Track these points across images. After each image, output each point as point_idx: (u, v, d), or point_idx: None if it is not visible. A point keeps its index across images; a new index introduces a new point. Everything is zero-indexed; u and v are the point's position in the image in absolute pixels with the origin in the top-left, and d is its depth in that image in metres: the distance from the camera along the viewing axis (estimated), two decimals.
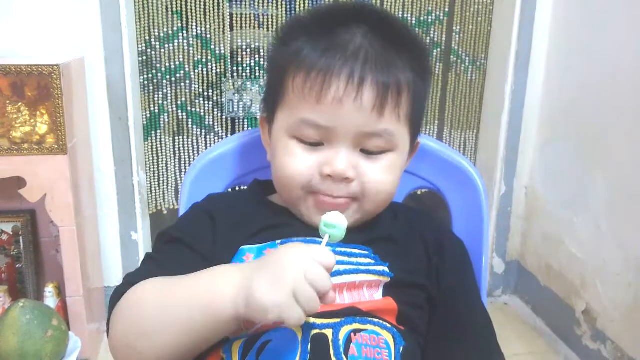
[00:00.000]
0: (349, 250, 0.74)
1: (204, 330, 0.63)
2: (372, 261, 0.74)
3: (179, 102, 1.89)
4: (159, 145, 1.91)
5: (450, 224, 0.95)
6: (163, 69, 1.85)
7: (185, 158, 1.94)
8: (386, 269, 0.73)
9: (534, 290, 2.00)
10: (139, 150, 1.82)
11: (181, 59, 1.85)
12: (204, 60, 1.87)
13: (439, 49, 2.00)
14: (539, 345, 1.86)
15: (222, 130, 1.94)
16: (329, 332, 0.66)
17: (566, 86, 1.83)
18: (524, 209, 2.05)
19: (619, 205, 1.59)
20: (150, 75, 1.85)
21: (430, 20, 1.96)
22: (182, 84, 1.88)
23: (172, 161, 1.93)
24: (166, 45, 1.83)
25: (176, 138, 1.92)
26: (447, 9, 1.96)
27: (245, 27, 1.86)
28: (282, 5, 1.84)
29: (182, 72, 1.86)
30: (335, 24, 0.73)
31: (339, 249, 0.72)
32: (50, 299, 1.62)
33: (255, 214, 0.78)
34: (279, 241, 0.73)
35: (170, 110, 1.89)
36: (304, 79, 0.71)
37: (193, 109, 1.91)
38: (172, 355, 0.65)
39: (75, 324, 1.57)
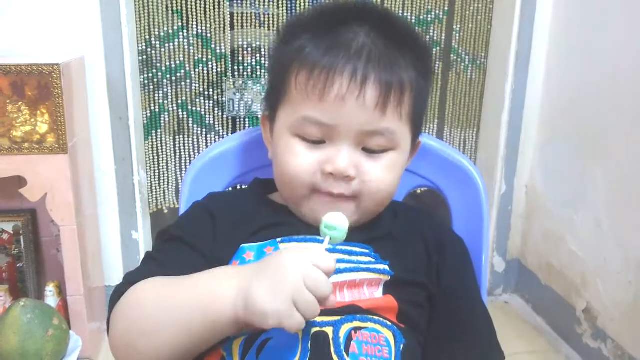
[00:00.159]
0: (349, 248, 0.74)
1: (203, 331, 0.63)
2: (373, 260, 0.74)
3: (179, 101, 1.89)
4: (159, 145, 1.91)
5: (451, 222, 0.95)
6: (163, 68, 1.85)
7: (185, 157, 1.94)
8: (386, 268, 0.73)
9: (535, 289, 2.00)
10: (139, 149, 1.82)
11: (181, 58, 1.85)
12: (204, 59, 1.87)
13: (438, 48, 2.00)
14: (539, 344, 1.86)
15: (222, 129, 1.94)
16: (329, 330, 0.66)
17: (566, 85, 1.83)
18: (525, 207, 2.05)
19: (620, 204, 1.59)
20: (150, 75, 1.85)
21: (430, 19, 1.96)
22: (183, 83, 1.88)
23: (173, 160, 1.93)
24: (166, 44, 1.83)
25: (177, 137, 1.92)
26: (447, 8, 1.95)
27: (246, 26, 1.87)
28: (282, 4, 1.84)
29: (182, 71, 1.86)
30: (338, 23, 0.73)
31: (339, 247, 0.72)
32: (51, 298, 1.62)
33: (256, 212, 0.78)
34: (279, 239, 0.73)
35: (170, 109, 1.89)
36: (307, 76, 0.71)
37: (193, 108, 1.91)
38: (171, 355, 0.65)
39: (76, 323, 1.57)
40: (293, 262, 0.60)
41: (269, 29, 1.87)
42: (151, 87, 1.86)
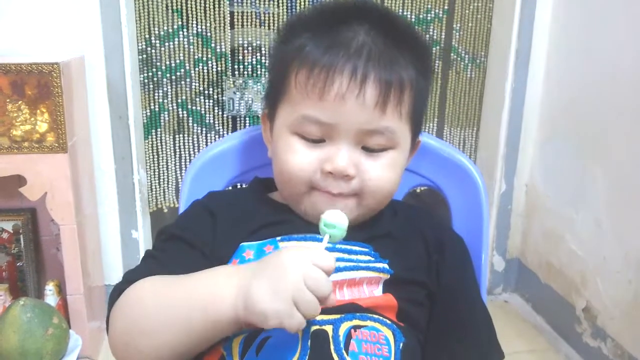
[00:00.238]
0: (349, 247, 0.74)
1: (203, 331, 0.63)
2: (372, 258, 0.74)
3: (179, 101, 1.89)
4: (159, 144, 1.91)
5: (450, 221, 0.95)
6: (163, 67, 1.85)
7: (185, 156, 1.94)
8: (386, 266, 0.73)
9: (534, 287, 2.00)
10: (139, 148, 1.82)
11: (181, 57, 1.85)
12: (204, 58, 1.87)
13: (438, 47, 2.00)
14: (539, 343, 1.86)
15: (222, 128, 1.94)
16: (329, 328, 0.66)
17: (566, 84, 1.83)
18: (524, 206, 2.05)
19: (619, 203, 1.59)
20: (150, 74, 1.85)
21: (429, 18, 1.96)
22: (183, 82, 1.88)
23: (173, 159, 1.93)
24: (166, 44, 1.83)
25: (176, 136, 1.92)
26: (446, 7, 1.95)
27: (246, 25, 1.86)
28: (282, 3, 1.84)
29: (182, 70, 1.86)
30: (338, 22, 0.73)
31: (339, 246, 0.72)
32: (51, 297, 1.62)
33: (256, 211, 0.78)
34: (279, 238, 0.73)
35: (170, 108, 1.89)
36: (307, 75, 0.71)
37: (193, 107, 1.91)
38: (171, 354, 0.65)
39: (75, 322, 1.57)
40: (293, 261, 0.60)
41: (269, 28, 1.87)
42: (151, 86, 1.86)
